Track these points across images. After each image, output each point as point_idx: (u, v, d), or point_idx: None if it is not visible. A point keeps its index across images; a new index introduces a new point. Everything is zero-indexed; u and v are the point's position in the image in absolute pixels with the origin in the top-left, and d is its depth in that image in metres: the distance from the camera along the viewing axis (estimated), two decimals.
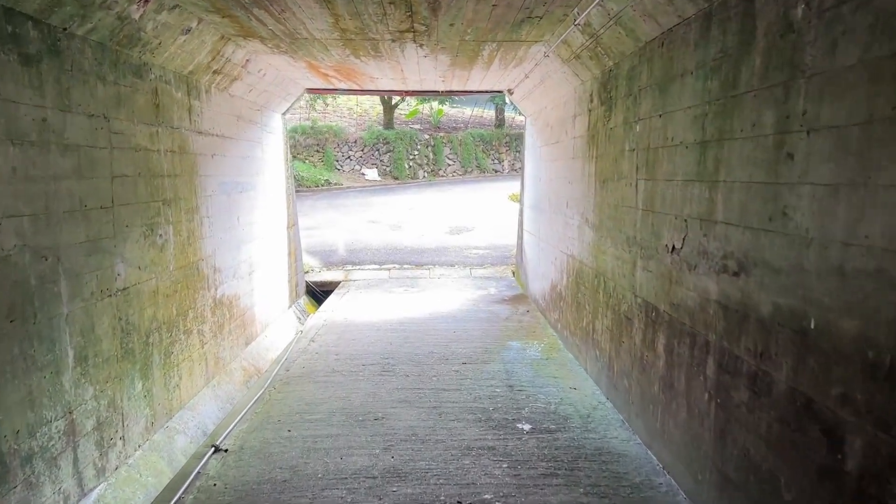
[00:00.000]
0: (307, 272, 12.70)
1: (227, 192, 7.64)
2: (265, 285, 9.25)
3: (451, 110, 31.15)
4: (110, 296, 4.77)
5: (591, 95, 6.45)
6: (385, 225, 16.53)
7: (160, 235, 5.77)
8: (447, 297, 10.59)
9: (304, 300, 11.70)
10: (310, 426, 5.19)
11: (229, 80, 7.43)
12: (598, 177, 6.16)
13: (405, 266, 13.14)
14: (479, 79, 9.21)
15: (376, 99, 28.37)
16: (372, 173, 24.86)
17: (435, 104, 28.79)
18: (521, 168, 11.42)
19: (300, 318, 10.87)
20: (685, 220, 4.01)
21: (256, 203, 8.94)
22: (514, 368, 6.72)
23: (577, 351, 7.00)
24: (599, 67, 5.96)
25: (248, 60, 7.48)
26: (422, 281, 12.01)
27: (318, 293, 12.25)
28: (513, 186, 23.78)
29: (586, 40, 5.67)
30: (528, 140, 10.58)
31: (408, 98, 25.89)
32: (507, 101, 10.36)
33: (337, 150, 24.71)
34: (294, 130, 24.06)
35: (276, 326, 9.54)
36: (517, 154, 28.89)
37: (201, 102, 6.82)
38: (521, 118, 31.43)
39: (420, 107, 28.32)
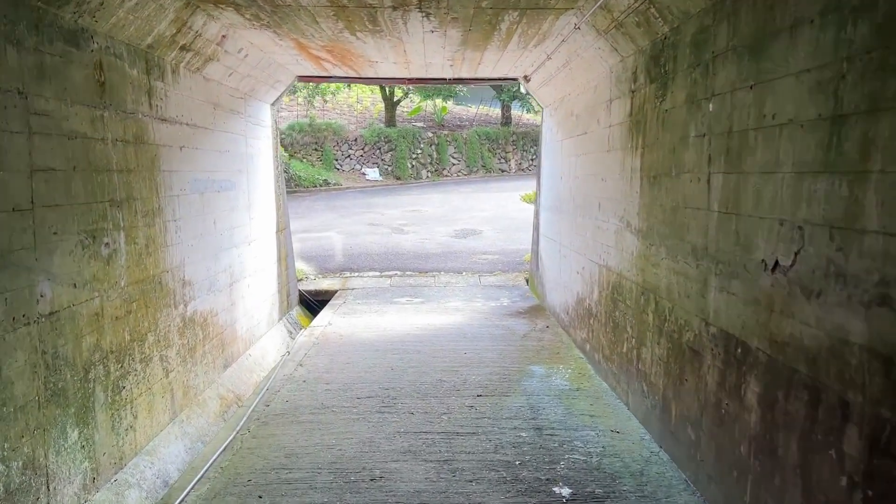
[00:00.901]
0: (301, 280, 11.59)
1: (200, 191, 6.54)
2: (250, 297, 8.15)
3: (455, 108, 30.06)
4: (28, 324, 3.65)
5: (634, 73, 5.32)
6: (386, 228, 15.41)
7: (106, 244, 4.66)
8: (455, 309, 9.47)
9: (296, 311, 10.60)
10: (287, 491, 4.06)
11: (202, 60, 6.32)
12: (645, 172, 5.03)
13: (408, 273, 12.02)
14: (492, 62, 8.09)
15: (378, 96, 27.29)
16: (373, 173, 23.76)
17: (439, 101, 27.70)
18: (537, 165, 10.30)
19: (292, 333, 9.77)
20: (799, 228, 2.88)
21: (238, 204, 7.83)
22: (540, 403, 5.58)
23: (614, 381, 5.88)
24: (649, 36, 4.83)
25: (223, 37, 6.36)
26: (426, 290, 10.89)
27: (313, 303, 11.13)
28: (520, 186, 22.66)
29: (634, 1, 4.55)
30: (546, 134, 9.46)
31: (410, 94, 24.77)
32: (523, 89, 9.23)
33: (336, 148, 23.61)
34: (291, 128, 22.97)
35: (264, 343, 8.44)
36: (524, 153, 27.79)
37: (166, 84, 5.71)
38: (529, 116, 30.39)
39: (423, 104, 27.23)
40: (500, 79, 9.44)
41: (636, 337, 5.27)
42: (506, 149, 27.37)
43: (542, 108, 9.69)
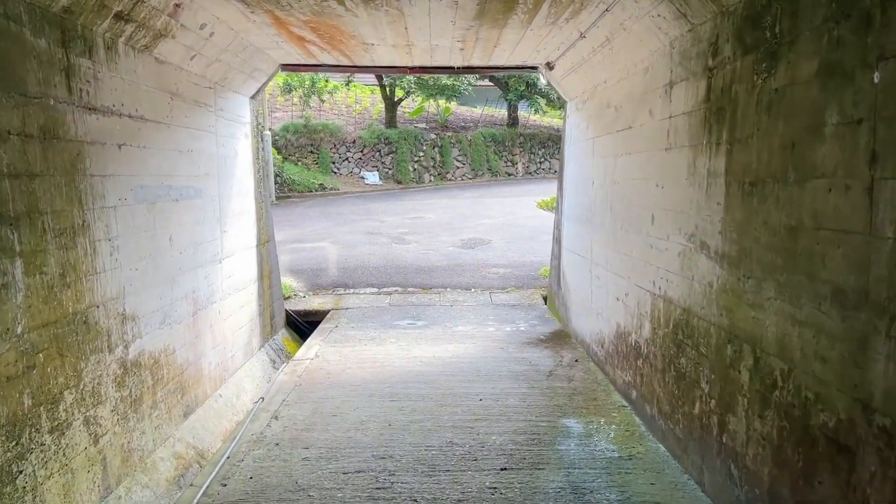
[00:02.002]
0: (289, 298, 10.24)
1: (149, 201, 5.22)
2: (221, 326, 6.83)
3: (458, 108, 28.74)
4: None
5: (713, 45, 3.98)
6: (386, 237, 14.06)
7: None
8: (465, 336, 8.12)
9: (282, 335, 9.26)
10: None
11: (151, 36, 5.00)
12: (734, 176, 3.69)
13: (409, 289, 10.67)
14: (510, 45, 6.76)
15: (377, 96, 25.96)
16: (372, 177, 22.42)
17: (442, 102, 26.38)
18: (559, 169, 8.95)
19: (275, 362, 8.44)
20: None
21: (206, 215, 6.51)
22: (584, 480, 4.23)
23: (679, 447, 4.52)
24: None
25: (177, 6, 5.03)
26: (430, 310, 9.54)
27: (302, 325, 9.79)
28: (529, 191, 21.31)
29: None
30: (571, 131, 8.12)
31: (412, 94, 23.46)
32: (543, 79, 7.91)
33: (333, 150, 22.27)
34: (285, 129, 21.64)
35: (240, 379, 7.13)
36: (532, 156, 26.46)
37: (96, 63, 4.39)
38: (536, 118, 29.05)
39: (426, 104, 25.91)
40: (517, 67, 8.11)
41: (717, 398, 3.91)
42: (513, 151, 26.03)
43: (567, 102, 8.35)
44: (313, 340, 8.08)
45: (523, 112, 28.74)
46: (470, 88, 23.23)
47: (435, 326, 8.65)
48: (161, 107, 5.43)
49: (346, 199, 19.90)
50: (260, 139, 8.62)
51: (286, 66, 8.11)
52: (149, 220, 5.16)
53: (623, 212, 5.84)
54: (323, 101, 23.74)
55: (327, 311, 9.72)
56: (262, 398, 6.11)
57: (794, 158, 3.08)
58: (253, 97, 8.20)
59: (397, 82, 22.42)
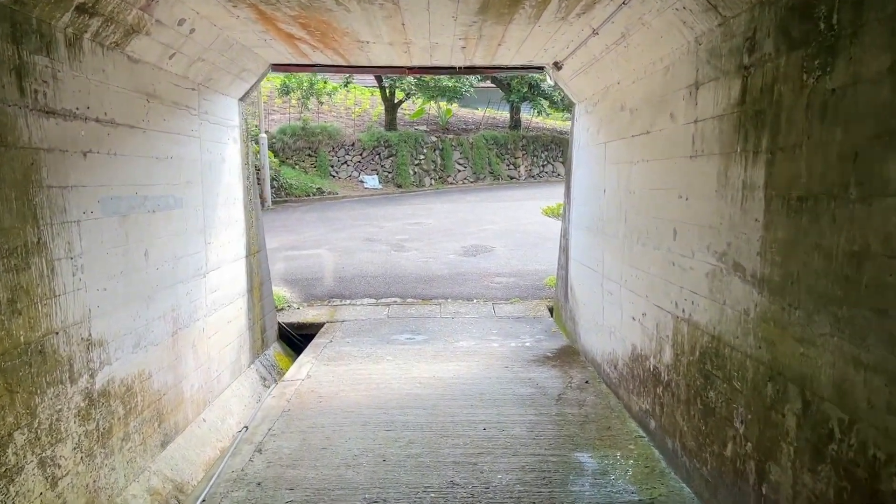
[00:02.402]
0: (282, 310, 9.77)
1: (120, 214, 4.76)
2: (206, 344, 6.38)
3: (460, 111, 28.28)
4: None
5: (749, 40, 3.50)
6: (385, 244, 13.59)
7: None
8: (467, 352, 7.64)
9: (274, 350, 8.80)
10: None
11: (122, 32, 4.54)
12: (777, 189, 3.21)
13: (409, 300, 10.19)
14: (515, 43, 6.29)
15: (377, 98, 25.50)
16: (371, 181, 21.95)
17: (443, 104, 25.92)
18: (566, 174, 8.47)
19: (265, 380, 7.98)
20: None
21: (188, 226, 6.06)
22: None
23: (707, 490, 4.04)
24: None
25: (153, 0, 4.57)
26: (430, 323, 9.07)
27: (296, 338, 9.33)
28: (532, 195, 20.83)
29: None
30: (580, 136, 7.64)
31: (412, 96, 23.00)
32: (550, 80, 7.42)
33: (332, 153, 21.80)
34: (282, 132, 21.17)
35: (226, 400, 6.68)
36: (535, 159, 25.99)
37: (55, 61, 3.94)
38: (538, 120, 28.58)
39: (427, 106, 25.45)
40: (522, 67, 7.63)
41: (755, 442, 3.43)
42: (515, 154, 25.55)
43: (575, 105, 7.88)
44: (305, 358, 7.61)
45: (526, 114, 28.29)
46: (472, 90, 22.77)
47: (435, 341, 8.18)
48: (135, 109, 4.96)
49: (345, 203, 19.43)
50: (250, 144, 8.15)
51: (277, 67, 7.65)
52: (120, 234, 4.69)
53: (640, 224, 5.37)
54: (321, 104, 23.27)
55: (322, 324, 9.25)
56: (246, 427, 5.63)
57: (857, 171, 2.60)
58: (242, 99, 7.74)
59: (397, 84, 21.95)
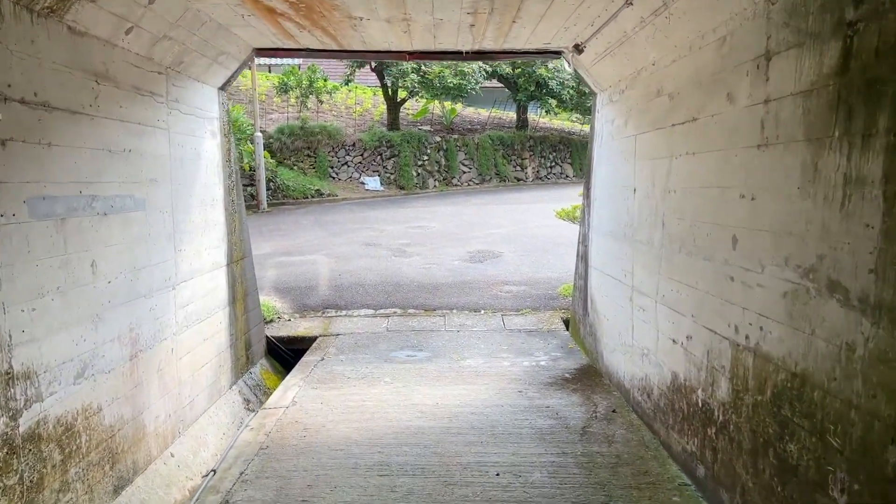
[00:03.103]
0: (271, 322, 8.93)
1: (57, 216, 3.93)
2: (175, 367, 5.54)
3: (464, 111, 27.45)
4: None
5: None
6: (385, 249, 12.74)
7: None
8: (475, 373, 6.79)
9: (261, 367, 7.96)
10: None
11: None
12: None
13: (410, 311, 9.34)
14: (531, 22, 5.44)
15: (379, 97, 24.68)
16: (373, 182, 21.11)
17: (447, 104, 25.10)
18: (586, 173, 7.60)
19: (250, 402, 7.16)
20: None
21: (152, 231, 5.22)
22: None
23: None
24: None
25: None
26: (434, 337, 8.21)
27: (286, 353, 8.49)
28: (540, 197, 19.98)
29: None
30: (603, 129, 6.78)
31: (416, 95, 22.19)
32: (569, 66, 6.53)
33: (332, 154, 20.96)
34: (280, 131, 20.34)
35: (200, 429, 5.85)
36: (542, 160, 25.12)
37: None
38: (545, 120, 27.71)
39: (431, 105, 24.62)
40: (537, 52, 6.77)
41: None
42: (522, 155, 24.68)
43: (597, 95, 7.02)
44: (292, 379, 6.75)
45: (532, 115, 27.46)
46: (477, 87, 21.94)
47: (439, 359, 7.32)
48: (80, 92, 4.13)
49: (344, 206, 18.59)
50: (233, 139, 7.31)
51: (261, 52, 6.81)
52: (56, 241, 3.86)
53: (683, 230, 4.50)
54: (322, 103, 22.46)
55: (314, 339, 8.40)
56: (214, 471, 4.77)
57: None
58: (222, 88, 6.90)
59: (400, 82, 21.14)
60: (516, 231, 14.35)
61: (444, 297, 9.80)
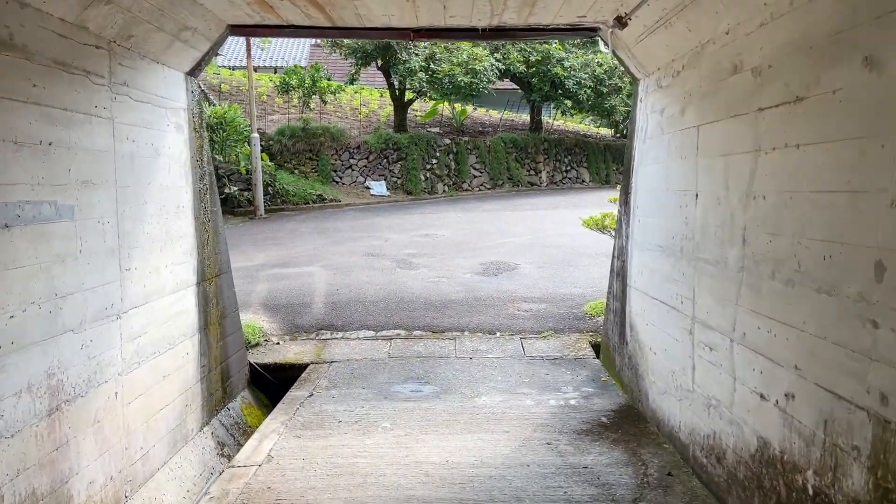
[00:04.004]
0: (256, 345, 7.81)
1: None
2: (120, 415, 4.44)
3: (475, 112, 26.33)
4: None
5: None
6: (389, 260, 11.60)
7: None
8: (491, 417, 5.64)
9: (242, 401, 6.85)
10: None
11: None
12: None
13: (416, 333, 8.20)
14: None
15: (386, 98, 23.63)
16: (379, 187, 20.02)
17: (458, 106, 23.99)
18: (624, 174, 6.42)
19: (225, 446, 6.10)
20: None
21: (86, 245, 4.12)
22: None
23: None
24: None
25: None
26: (442, 366, 7.07)
27: (273, 382, 7.37)
28: (556, 203, 18.82)
29: None
30: (647, 122, 5.63)
31: (424, 95, 21.09)
32: (606, 48, 5.32)
33: (335, 157, 19.89)
34: (280, 132, 19.28)
35: (157, 488, 4.79)
36: (557, 164, 23.95)
37: None
38: (559, 123, 26.53)
39: (440, 107, 23.53)
40: (568, 29, 5.63)
41: None
42: (536, 158, 23.52)
43: (639, 81, 5.86)
44: (272, 423, 5.61)
45: (546, 117, 26.32)
46: (489, 87, 20.80)
47: (449, 396, 6.17)
48: None
49: (348, 212, 17.49)
50: (205, 133, 6.21)
51: (237, 29, 5.71)
52: None
53: (779, 249, 3.34)
54: (325, 103, 21.40)
55: (305, 366, 7.28)
56: None
57: None
58: (191, 74, 5.80)
59: (408, 81, 20.03)
60: (533, 240, 13.18)
61: (454, 315, 8.65)
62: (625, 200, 6.31)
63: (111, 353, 4.36)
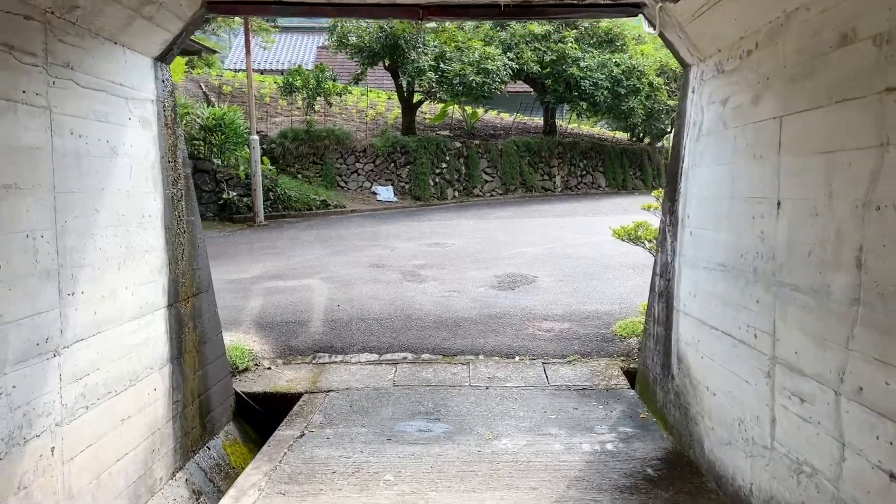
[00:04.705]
0: (245, 371, 6.94)
1: None
2: (57, 475, 3.52)
3: (486, 115, 25.46)
4: None
5: None
6: (396, 271, 10.72)
7: None
8: (513, 467, 4.72)
9: (225, 437, 6.00)
10: None
11: None
12: None
13: (424, 355, 7.30)
14: None
15: (394, 101, 22.80)
16: (386, 192, 19.17)
17: (468, 108, 23.13)
18: (673, 178, 5.49)
19: (201, 495, 5.22)
20: None
21: (7, 268, 3.23)
22: None
23: None
24: None
25: None
26: (455, 397, 6.18)
27: (262, 414, 6.50)
28: (574, 210, 17.89)
29: None
30: (704, 114, 4.72)
31: (433, 96, 20.22)
32: (650, 27, 4.35)
33: (340, 161, 19.05)
34: (283, 135, 18.46)
35: None
36: (572, 168, 23.04)
37: None
38: (573, 127, 25.59)
39: (449, 109, 22.68)
40: (608, 5, 4.73)
41: None
42: (550, 163, 22.60)
43: (690, 67, 4.96)
44: (252, 476, 4.71)
45: (559, 121, 25.41)
46: (502, 87, 19.91)
47: (463, 437, 5.27)
48: None
49: (353, 219, 16.62)
50: (179, 130, 5.34)
51: (215, 6, 4.84)
52: None
53: None
54: (331, 105, 20.58)
55: (299, 396, 6.40)
56: None
57: None
58: (161, 59, 4.95)
59: (416, 82, 19.18)
60: (551, 250, 12.26)
61: (467, 336, 7.75)
62: (670, 209, 5.39)
63: (45, 399, 3.49)
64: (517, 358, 7.22)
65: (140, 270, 4.56)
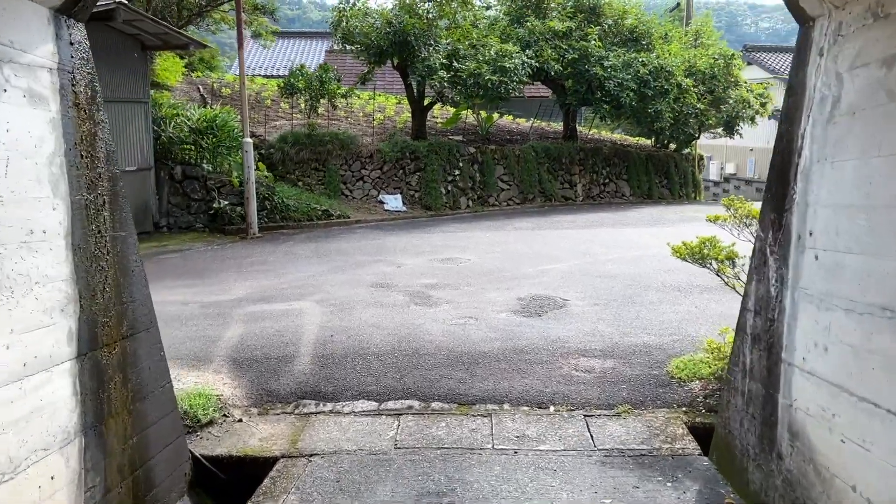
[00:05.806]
0: (209, 424, 5.53)
1: None
2: None
3: (502, 121, 24.04)
4: None
5: None
6: (402, 293, 9.27)
7: None
8: None
9: None
10: None
11: None
12: None
13: (434, 404, 5.85)
14: None
15: (404, 104, 21.46)
16: (394, 201, 17.75)
17: (483, 112, 21.74)
18: (778, 179, 4.01)
19: None
20: None
21: None
22: None
23: None
24: None
25: None
26: (475, 468, 4.73)
27: (224, 481, 5.08)
28: (601, 220, 16.38)
29: None
30: (838, 86, 3.25)
31: (446, 99, 18.83)
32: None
33: (344, 167, 17.68)
34: (283, 139, 17.12)
35: None
36: (594, 176, 21.58)
37: None
38: (594, 132, 24.04)
39: (463, 112, 21.28)
40: None
41: None
42: (571, 170, 21.12)
43: (814, 24, 3.50)
44: None
45: (579, 125, 23.96)
46: (520, 88, 18.49)
47: None
48: None
49: (356, 231, 15.21)
50: (99, 115, 3.93)
51: None
52: None
53: None
54: (335, 108, 19.25)
55: (274, 462, 4.98)
56: None
57: None
58: (66, 12, 3.55)
59: (427, 81, 17.79)
60: (581, 266, 10.77)
61: (487, 377, 6.29)
62: (776, 220, 3.90)
63: None
64: (551, 408, 5.75)
65: (21, 311, 3.15)
